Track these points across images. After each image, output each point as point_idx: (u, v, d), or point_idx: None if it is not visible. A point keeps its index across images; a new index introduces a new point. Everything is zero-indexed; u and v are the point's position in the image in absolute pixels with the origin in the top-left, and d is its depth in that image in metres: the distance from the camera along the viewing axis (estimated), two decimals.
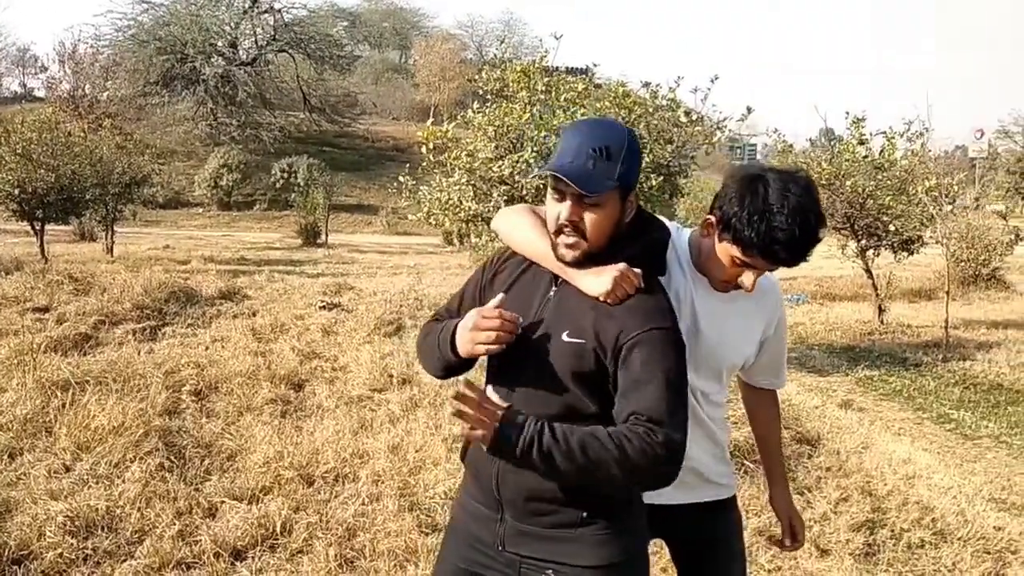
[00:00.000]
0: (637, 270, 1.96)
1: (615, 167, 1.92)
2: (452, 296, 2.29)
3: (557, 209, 1.95)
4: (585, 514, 1.97)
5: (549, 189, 1.98)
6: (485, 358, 2.07)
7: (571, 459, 1.82)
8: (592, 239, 1.95)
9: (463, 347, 2.00)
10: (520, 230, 2.13)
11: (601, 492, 1.98)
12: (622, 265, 1.94)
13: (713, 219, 2.13)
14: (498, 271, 2.16)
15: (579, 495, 1.96)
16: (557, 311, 2.00)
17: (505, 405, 1.86)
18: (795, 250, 2.05)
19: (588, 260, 1.97)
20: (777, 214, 2.00)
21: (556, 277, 2.03)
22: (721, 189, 2.14)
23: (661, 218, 2.16)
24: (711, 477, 2.37)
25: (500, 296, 1.98)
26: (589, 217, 1.93)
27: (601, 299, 1.94)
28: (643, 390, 1.87)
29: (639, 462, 1.80)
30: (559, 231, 1.96)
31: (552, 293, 2.03)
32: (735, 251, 2.08)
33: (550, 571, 1.99)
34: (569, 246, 1.96)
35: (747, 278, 2.13)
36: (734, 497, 2.47)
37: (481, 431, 1.83)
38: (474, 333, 1.96)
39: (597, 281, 1.94)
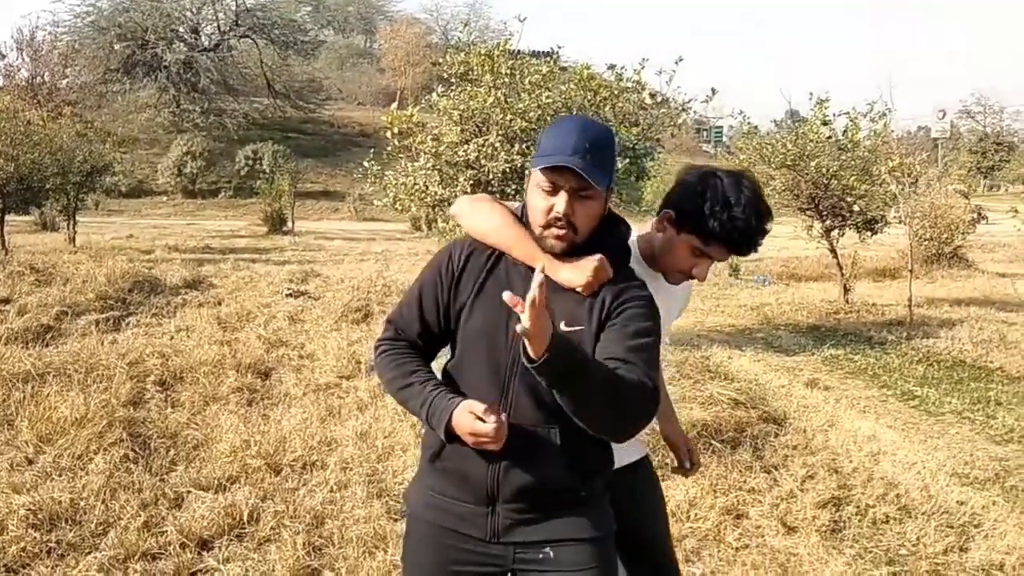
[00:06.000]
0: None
1: (608, 163, 1.99)
2: (407, 302, 2.15)
3: (549, 202, 1.97)
4: (583, 494, 2.04)
5: (537, 182, 1.99)
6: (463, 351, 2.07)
7: (599, 381, 1.80)
8: (581, 232, 1.99)
9: (464, 439, 1.93)
10: (489, 219, 2.10)
11: (593, 472, 2.06)
12: (600, 256, 2.00)
13: (671, 214, 2.26)
14: (461, 271, 2.08)
15: (577, 478, 2.02)
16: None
17: None
18: (752, 239, 2.24)
19: (570, 252, 2.00)
20: (735, 206, 2.18)
21: (532, 269, 2.00)
22: (674, 187, 2.30)
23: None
24: (640, 436, 2.50)
25: (488, 406, 1.88)
26: (581, 210, 1.98)
27: (579, 289, 1.98)
28: (629, 337, 1.94)
29: (637, 401, 1.86)
30: (550, 224, 1.98)
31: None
32: (696, 242, 2.24)
33: (547, 549, 2.03)
34: (559, 238, 1.99)
35: (701, 269, 2.29)
36: (648, 455, 2.67)
37: (538, 332, 1.69)
38: (477, 440, 1.90)
39: (576, 273, 1.99)
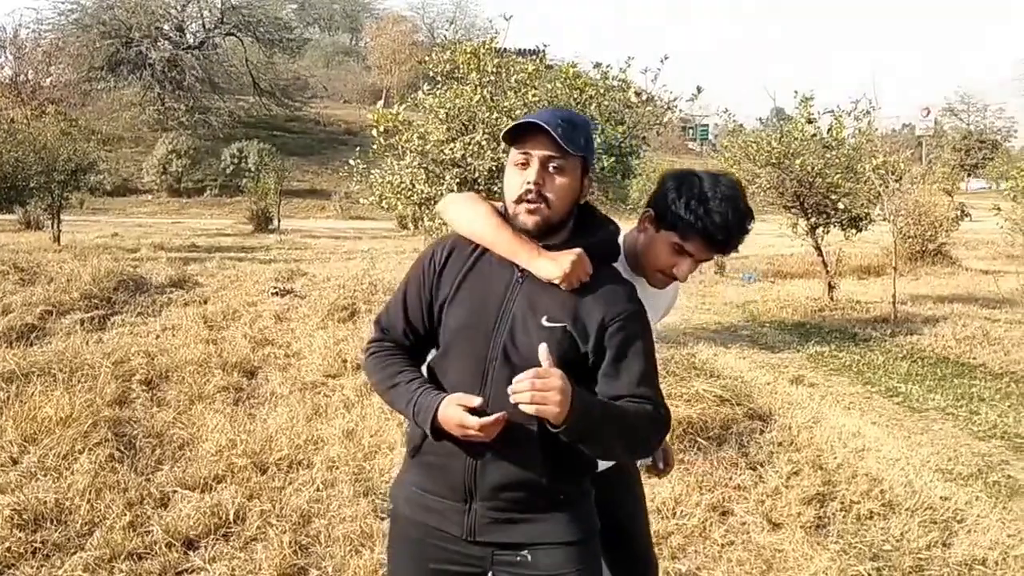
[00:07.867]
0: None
1: (580, 138, 1.98)
2: (393, 301, 2.17)
3: (522, 175, 1.97)
4: (562, 496, 2.03)
5: (512, 160, 2.00)
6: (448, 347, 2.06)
7: (616, 429, 1.92)
8: (554, 206, 1.98)
9: (451, 432, 1.93)
10: (471, 213, 2.11)
11: (575, 473, 2.04)
12: (579, 250, 1.98)
13: (652, 212, 2.29)
14: (444, 265, 2.08)
15: (557, 479, 2.00)
16: (530, 298, 1.99)
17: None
18: (729, 234, 2.24)
19: (546, 235, 1.99)
20: (711, 200, 2.21)
21: (514, 265, 2.02)
22: (656, 188, 2.33)
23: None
24: None
25: (479, 400, 1.90)
26: (553, 183, 1.97)
27: (557, 283, 1.96)
28: (632, 370, 1.98)
29: (651, 434, 2.00)
30: (521, 198, 1.97)
31: (518, 279, 2.01)
32: (674, 238, 2.25)
33: (525, 553, 2.01)
34: (531, 211, 1.97)
35: (682, 269, 2.29)
36: None
37: (553, 407, 1.78)
38: (464, 432, 1.90)
39: (553, 265, 1.96)
